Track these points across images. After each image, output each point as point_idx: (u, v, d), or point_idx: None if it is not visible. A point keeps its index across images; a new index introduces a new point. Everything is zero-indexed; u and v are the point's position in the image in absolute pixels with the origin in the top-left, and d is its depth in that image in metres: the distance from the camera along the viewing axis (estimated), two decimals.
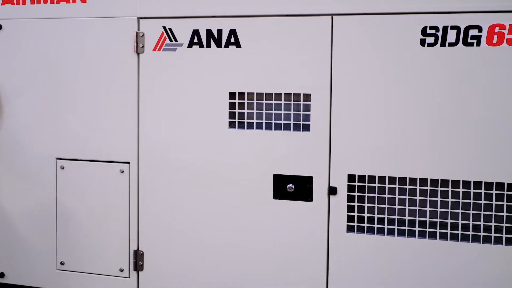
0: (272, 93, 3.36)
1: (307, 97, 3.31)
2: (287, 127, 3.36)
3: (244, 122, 3.43)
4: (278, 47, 3.33)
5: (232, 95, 3.43)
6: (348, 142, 3.26)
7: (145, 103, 3.57)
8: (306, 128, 3.32)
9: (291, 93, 3.33)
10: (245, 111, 3.43)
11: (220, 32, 3.40)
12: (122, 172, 3.61)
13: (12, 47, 3.77)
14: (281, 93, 3.35)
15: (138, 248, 3.65)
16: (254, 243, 3.44)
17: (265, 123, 3.40)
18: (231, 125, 3.44)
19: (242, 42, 3.37)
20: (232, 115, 3.44)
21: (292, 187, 3.34)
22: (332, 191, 3.28)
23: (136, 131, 3.59)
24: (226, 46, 3.40)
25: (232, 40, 3.39)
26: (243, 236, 3.45)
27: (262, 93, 3.39)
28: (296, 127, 3.34)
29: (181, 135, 3.52)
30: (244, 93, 3.42)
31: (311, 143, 3.30)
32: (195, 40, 3.45)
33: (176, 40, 3.48)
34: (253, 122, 3.42)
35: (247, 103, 3.42)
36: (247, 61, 3.39)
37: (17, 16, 3.74)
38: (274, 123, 3.38)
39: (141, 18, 3.53)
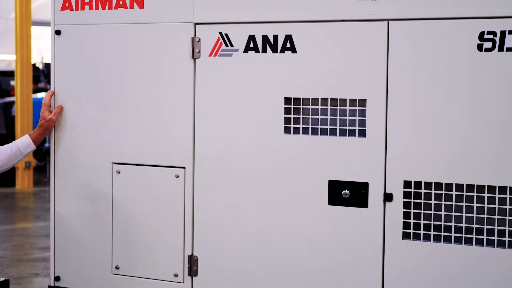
0: (327, 99, 3.36)
1: (363, 102, 3.30)
2: (342, 132, 3.35)
3: (299, 127, 3.43)
4: (333, 52, 3.33)
5: (287, 100, 3.43)
6: (404, 148, 3.23)
7: (200, 108, 3.59)
8: (362, 133, 3.31)
9: (346, 99, 3.32)
10: (301, 116, 3.43)
11: (276, 37, 3.41)
12: (178, 176, 3.64)
13: (71, 52, 3.83)
14: (337, 99, 3.34)
15: (192, 253, 3.66)
16: (309, 249, 3.43)
17: (321, 128, 3.39)
18: (287, 130, 3.44)
19: (298, 48, 3.38)
20: (287, 121, 3.44)
21: (348, 193, 3.33)
22: (388, 197, 3.26)
23: (192, 136, 3.61)
24: (282, 51, 3.41)
25: (288, 45, 3.40)
26: (297, 242, 3.44)
27: (318, 99, 3.38)
28: (352, 133, 3.33)
29: (236, 140, 3.53)
30: (300, 98, 3.41)
31: (367, 148, 3.29)
32: (251, 45, 3.46)
33: (232, 46, 3.50)
34: (308, 128, 3.42)
35: (303, 108, 3.42)
36: (303, 66, 3.39)
37: (75, 22, 3.80)
38: (330, 128, 3.37)
39: (198, 23, 3.56)
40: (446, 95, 3.15)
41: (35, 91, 13.90)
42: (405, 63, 3.21)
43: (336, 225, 3.37)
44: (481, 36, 3.09)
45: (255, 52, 3.46)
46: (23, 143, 3.80)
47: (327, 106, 3.37)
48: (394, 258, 3.28)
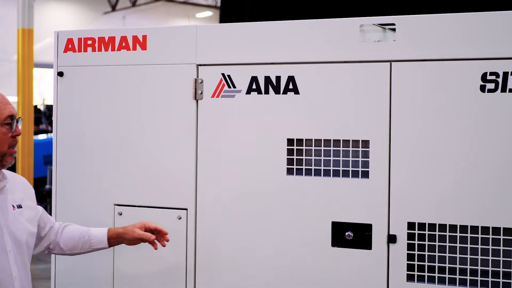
0: (330, 140, 3.35)
1: (365, 143, 3.29)
2: (345, 173, 3.34)
3: (302, 168, 3.42)
4: (336, 93, 3.33)
5: (290, 141, 3.43)
6: (407, 189, 3.22)
7: (202, 150, 3.58)
8: (365, 175, 3.30)
9: (349, 140, 3.32)
10: (303, 157, 3.42)
11: (278, 78, 3.42)
12: (180, 218, 3.61)
13: (73, 93, 3.83)
14: (340, 140, 3.34)
15: None
16: None
17: (323, 169, 3.38)
18: (289, 171, 3.43)
19: (300, 89, 3.38)
20: (290, 162, 3.43)
21: (351, 235, 3.30)
22: (392, 239, 3.23)
23: (194, 178, 3.60)
24: (285, 92, 3.42)
25: (291, 86, 3.40)
26: (301, 284, 3.41)
27: (321, 140, 3.38)
28: (355, 174, 3.32)
29: (238, 181, 3.52)
30: (302, 139, 3.41)
31: (370, 190, 3.27)
32: (254, 86, 3.47)
33: (234, 87, 3.50)
34: (311, 169, 3.41)
35: (305, 149, 3.42)
36: (305, 107, 3.39)
37: (78, 64, 3.81)
38: (333, 169, 3.36)
39: (200, 65, 3.57)
40: (450, 136, 3.15)
41: (37, 132, 13.93)
42: (408, 104, 3.21)
43: (340, 266, 3.34)
44: (483, 77, 3.09)
45: (258, 93, 3.47)
46: (98, 236, 3.29)
47: (330, 147, 3.36)
48: None
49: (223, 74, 3.52)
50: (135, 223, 3.32)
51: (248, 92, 3.48)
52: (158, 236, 3.30)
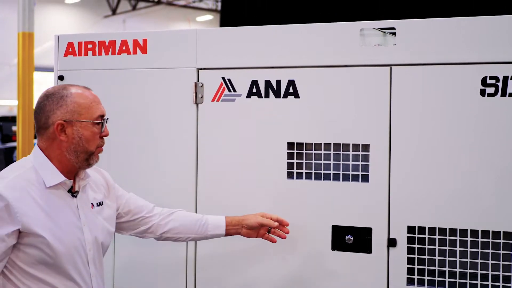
0: (330, 143, 3.36)
1: (366, 147, 3.30)
2: (345, 177, 3.34)
3: (302, 172, 3.42)
4: (336, 97, 3.33)
5: (290, 145, 3.43)
6: (408, 193, 3.22)
7: (203, 154, 3.59)
8: (365, 178, 3.30)
9: (349, 143, 3.32)
10: (304, 161, 3.42)
11: (278, 82, 3.42)
12: None
13: None
14: (340, 143, 3.34)
15: None
16: None
17: (324, 173, 3.38)
18: (290, 175, 3.43)
19: (301, 92, 3.39)
20: (290, 166, 3.44)
21: (351, 239, 3.30)
22: (392, 242, 3.23)
23: (194, 182, 3.60)
24: (285, 96, 3.42)
25: (291, 90, 3.41)
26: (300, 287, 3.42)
27: (321, 143, 3.38)
28: (355, 178, 3.32)
29: (238, 185, 3.52)
30: (303, 143, 3.42)
31: (370, 193, 3.28)
32: (254, 90, 3.47)
33: (235, 91, 3.51)
34: (311, 173, 3.41)
35: (306, 153, 3.42)
36: (306, 111, 3.40)
37: (79, 67, 3.81)
38: (333, 173, 3.37)
39: (201, 69, 3.57)
40: (449, 140, 3.15)
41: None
42: (408, 108, 3.21)
43: (340, 270, 3.34)
44: (483, 81, 3.10)
45: (258, 97, 3.47)
46: (216, 222, 3.22)
47: (330, 151, 3.36)
48: None
49: (223, 78, 3.52)
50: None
51: (249, 96, 3.49)
52: (278, 227, 3.25)
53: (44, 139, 2.75)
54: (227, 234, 3.23)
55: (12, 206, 2.55)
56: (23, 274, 2.63)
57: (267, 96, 3.45)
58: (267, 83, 3.44)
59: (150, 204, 3.19)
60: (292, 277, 3.43)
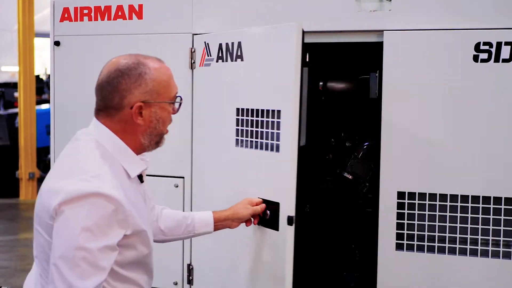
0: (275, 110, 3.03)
1: None
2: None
3: (248, 140, 3.19)
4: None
5: (238, 111, 3.24)
6: (398, 158, 3.23)
7: (196, 120, 3.60)
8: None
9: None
10: (249, 128, 3.17)
11: (232, 45, 3.27)
12: (177, 186, 3.63)
13: (70, 63, 3.85)
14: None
15: (191, 263, 3.67)
16: None
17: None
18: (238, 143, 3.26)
19: (245, 56, 3.21)
20: (239, 133, 3.25)
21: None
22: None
23: (190, 147, 3.62)
24: (235, 59, 3.26)
25: (239, 53, 3.23)
26: None
27: (267, 110, 3.07)
28: None
29: (212, 150, 3.47)
30: (248, 109, 3.18)
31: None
32: (219, 54, 3.37)
33: (210, 55, 3.44)
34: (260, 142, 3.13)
35: (252, 120, 3.17)
36: (249, 75, 3.18)
37: (75, 33, 3.82)
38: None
39: (196, 34, 3.57)
40: (441, 105, 3.16)
41: (39, 102, 13.93)
42: (400, 74, 3.21)
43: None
44: (477, 47, 3.10)
45: (222, 61, 3.35)
46: (203, 219, 2.93)
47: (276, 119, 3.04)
48: (388, 268, 3.28)
49: (205, 42, 3.48)
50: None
51: (217, 60, 3.38)
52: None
53: (115, 120, 2.40)
54: (215, 230, 2.97)
55: (124, 208, 2.23)
56: (113, 276, 2.28)
57: (226, 59, 3.31)
58: (226, 46, 3.31)
59: None
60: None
